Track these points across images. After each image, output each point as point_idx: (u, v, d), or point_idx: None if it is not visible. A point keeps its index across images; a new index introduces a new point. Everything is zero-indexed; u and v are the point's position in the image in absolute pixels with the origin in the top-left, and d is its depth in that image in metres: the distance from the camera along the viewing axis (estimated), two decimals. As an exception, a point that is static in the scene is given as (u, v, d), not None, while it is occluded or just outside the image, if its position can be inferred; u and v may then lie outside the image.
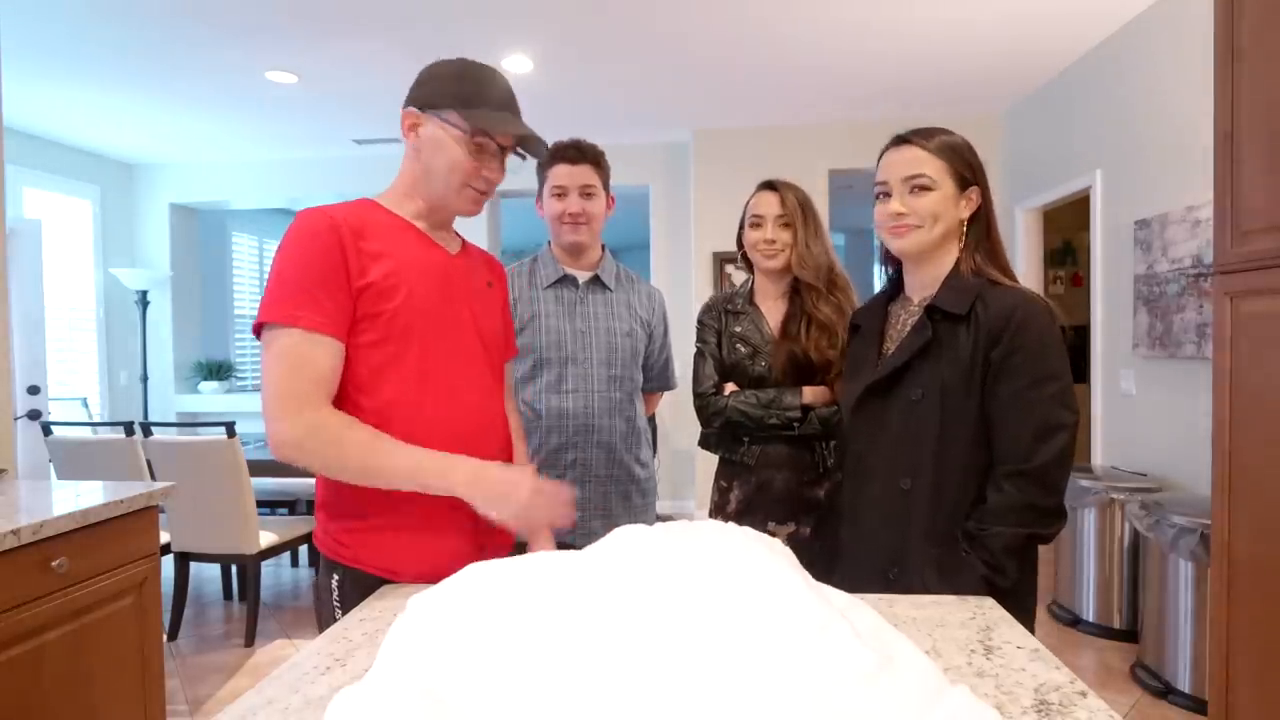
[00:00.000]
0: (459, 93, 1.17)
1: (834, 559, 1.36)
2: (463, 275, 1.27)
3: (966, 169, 1.27)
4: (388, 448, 1.09)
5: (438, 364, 1.19)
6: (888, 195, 1.29)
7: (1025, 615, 1.25)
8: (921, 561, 1.21)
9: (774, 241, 1.75)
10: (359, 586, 1.15)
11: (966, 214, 1.28)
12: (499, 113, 1.20)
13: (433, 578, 1.16)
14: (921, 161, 1.26)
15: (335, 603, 1.18)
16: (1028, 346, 1.18)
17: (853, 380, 1.37)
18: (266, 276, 1.17)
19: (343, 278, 1.10)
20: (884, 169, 1.31)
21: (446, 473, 1.11)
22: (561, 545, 1.79)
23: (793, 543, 1.73)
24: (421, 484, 1.10)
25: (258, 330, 1.11)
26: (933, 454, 1.22)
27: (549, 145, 1.30)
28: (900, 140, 1.30)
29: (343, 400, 1.15)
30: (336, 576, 1.18)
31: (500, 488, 1.12)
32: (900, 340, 1.31)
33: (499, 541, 1.31)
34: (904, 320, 1.34)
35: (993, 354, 1.19)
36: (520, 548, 1.42)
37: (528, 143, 1.24)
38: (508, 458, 1.35)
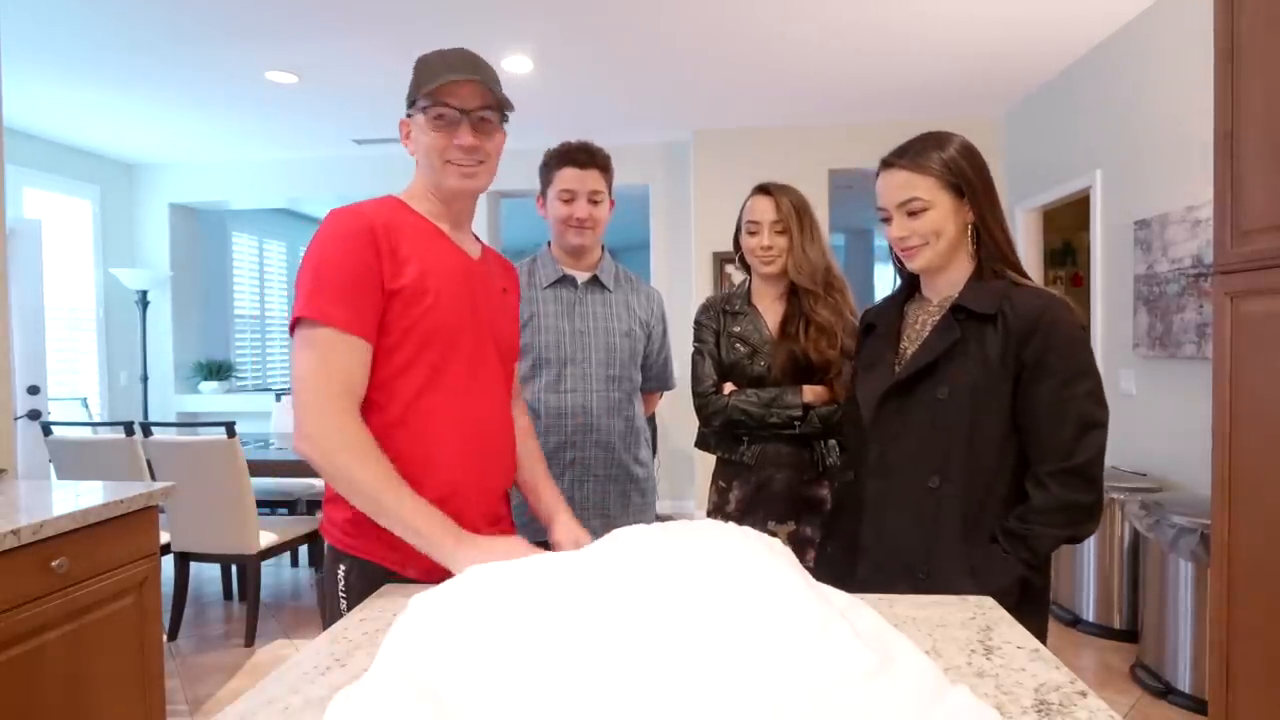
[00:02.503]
0: (417, 82, 1.21)
1: (853, 559, 1.36)
2: (483, 281, 1.28)
3: (959, 178, 1.26)
4: (400, 492, 1.06)
5: (456, 371, 1.20)
6: (888, 220, 1.31)
7: (1044, 610, 1.27)
8: (954, 561, 1.21)
9: (770, 248, 1.75)
10: (365, 577, 1.16)
11: (972, 218, 1.28)
12: (439, 75, 1.18)
13: (436, 573, 1.17)
14: (911, 184, 1.27)
15: (341, 593, 1.19)
16: (1060, 346, 1.18)
17: (869, 380, 1.37)
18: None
19: (376, 280, 1.12)
20: (879, 194, 1.32)
21: (441, 542, 1.05)
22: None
23: (794, 541, 1.73)
24: (416, 542, 1.07)
25: (293, 326, 1.11)
26: (962, 453, 1.22)
27: (517, 110, 1.25)
28: (887, 164, 1.31)
29: (361, 401, 1.16)
30: (343, 567, 1.20)
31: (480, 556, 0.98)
32: (921, 340, 1.31)
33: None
34: (922, 320, 1.34)
35: (1024, 354, 1.19)
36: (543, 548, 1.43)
37: (460, 89, 1.17)
38: (513, 466, 1.36)
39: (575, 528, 1.32)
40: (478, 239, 1.36)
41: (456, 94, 1.19)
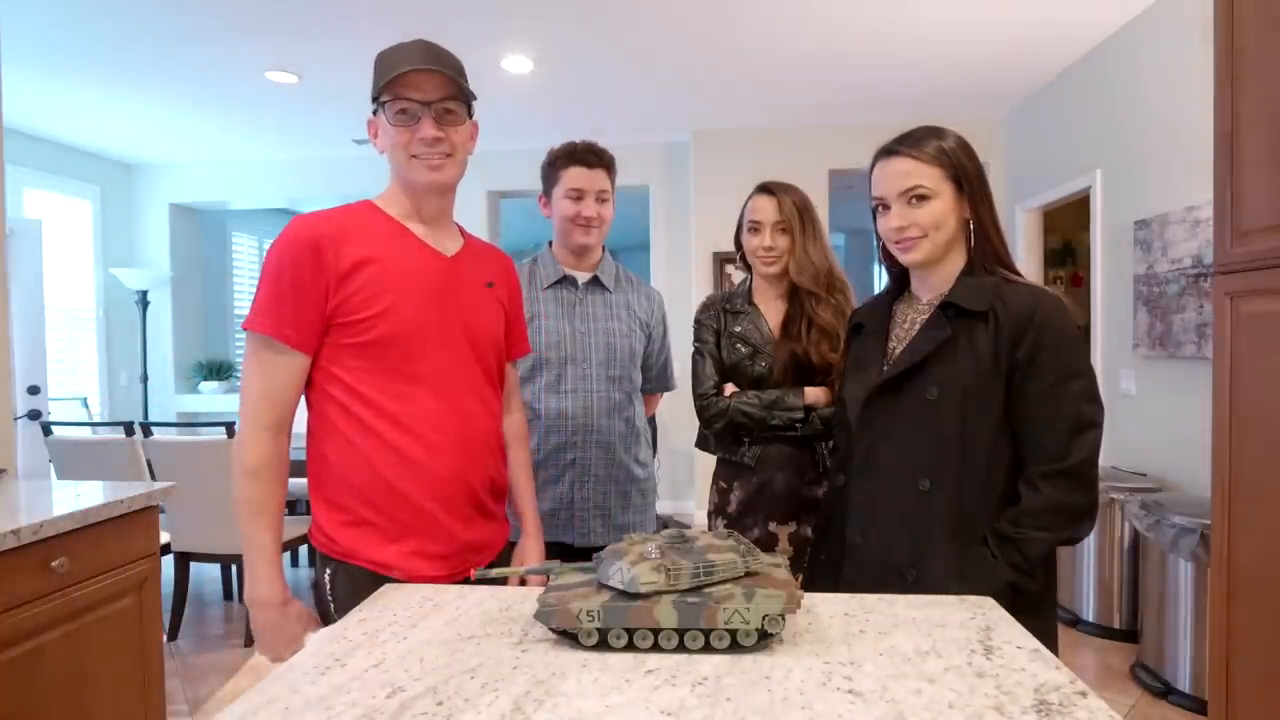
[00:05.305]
0: (377, 80, 1.19)
1: (841, 562, 1.34)
2: (456, 279, 1.25)
3: (960, 171, 1.23)
4: (256, 523, 1.17)
5: (425, 371, 1.19)
6: (886, 209, 1.26)
7: (1048, 618, 1.24)
8: (943, 563, 1.19)
9: (773, 248, 1.74)
10: (349, 580, 1.17)
11: (968, 214, 1.25)
12: (397, 67, 1.17)
13: (417, 575, 1.18)
14: (916, 172, 1.22)
15: (329, 597, 1.20)
16: (1052, 344, 1.15)
17: (857, 379, 1.34)
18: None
19: (315, 291, 1.13)
20: (878, 182, 1.28)
21: (249, 579, 1.17)
22: (563, 546, 1.80)
23: (794, 542, 1.73)
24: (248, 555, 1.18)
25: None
26: (953, 455, 1.19)
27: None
28: (889, 152, 1.26)
29: (331, 403, 1.18)
30: (329, 570, 1.20)
31: (255, 621, 1.18)
32: (910, 338, 1.28)
33: (489, 541, 1.31)
34: (912, 319, 1.31)
35: (1017, 353, 1.16)
36: (510, 548, 1.43)
37: (420, 81, 1.16)
38: (502, 461, 1.35)
39: (533, 552, 1.42)
40: (464, 233, 1.35)
41: (418, 86, 1.16)
